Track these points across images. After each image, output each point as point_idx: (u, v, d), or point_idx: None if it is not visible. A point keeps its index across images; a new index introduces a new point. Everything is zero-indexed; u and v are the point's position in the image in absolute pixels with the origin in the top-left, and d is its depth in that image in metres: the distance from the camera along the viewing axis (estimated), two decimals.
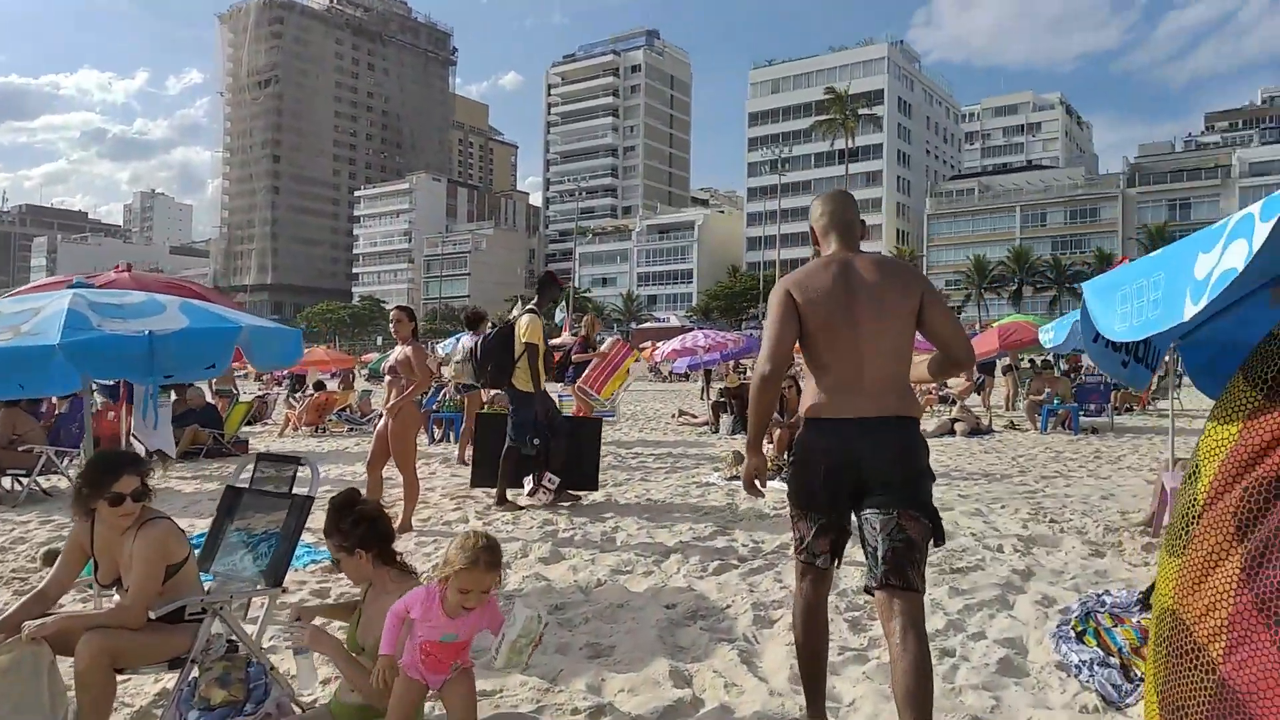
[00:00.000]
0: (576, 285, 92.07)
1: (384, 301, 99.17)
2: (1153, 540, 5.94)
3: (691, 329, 30.14)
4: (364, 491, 3.64)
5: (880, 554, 2.69)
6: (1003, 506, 7.43)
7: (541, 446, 7.29)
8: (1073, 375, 18.40)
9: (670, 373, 33.62)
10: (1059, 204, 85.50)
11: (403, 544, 5.58)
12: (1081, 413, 14.77)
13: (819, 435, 2.84)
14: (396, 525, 5.04)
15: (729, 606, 4.54)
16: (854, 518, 2.87)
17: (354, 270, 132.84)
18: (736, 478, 7.92)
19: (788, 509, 3.04)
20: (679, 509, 7.37)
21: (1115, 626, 4.02)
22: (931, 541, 2.79)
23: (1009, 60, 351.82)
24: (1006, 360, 19.05)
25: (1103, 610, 4.38)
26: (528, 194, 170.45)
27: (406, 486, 6.64)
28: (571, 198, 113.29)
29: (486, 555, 2.53)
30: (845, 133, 74.30)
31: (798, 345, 2.91)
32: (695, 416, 16.46)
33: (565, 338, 14.67)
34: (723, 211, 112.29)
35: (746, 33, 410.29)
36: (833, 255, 2.97)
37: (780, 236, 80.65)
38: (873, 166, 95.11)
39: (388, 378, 6.86)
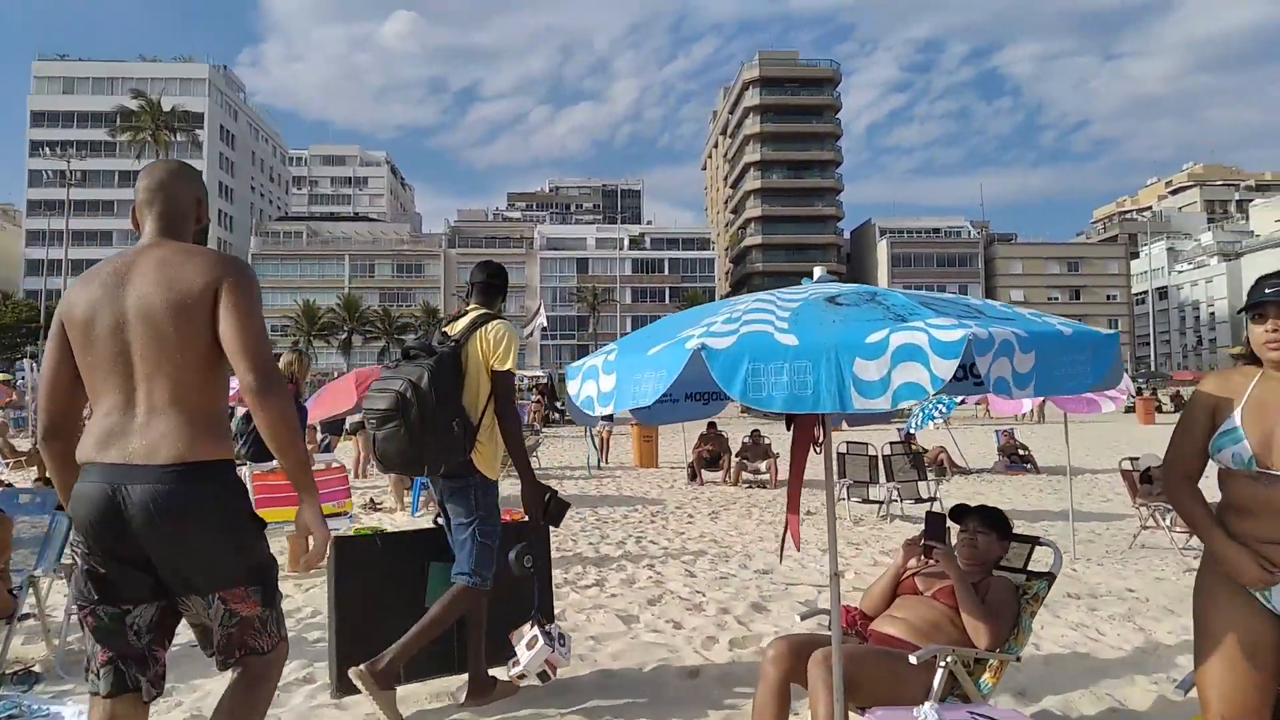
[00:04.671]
0: None
1: None
2: None
3: None
4: None
5: (215, 641, 2.18)
6: None
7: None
8: None
9: None
10: (387, 257, 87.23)
11: None
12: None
13: (82, 485, 2.09)
14: None
15: None
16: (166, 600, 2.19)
17: None
18: None
19: None
20: None
21: None
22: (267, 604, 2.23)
23: (337, 117, 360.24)
24: (358, 417, 15.58)
25: None
26: None
27: None
28: None
29: None
30: (157, 148, 64.49)
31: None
32: None
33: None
34: None
35: (33, 20, 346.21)
36: (127, 250, 2.26)
37: (70, 262, 66.70)
38: None
39: None
